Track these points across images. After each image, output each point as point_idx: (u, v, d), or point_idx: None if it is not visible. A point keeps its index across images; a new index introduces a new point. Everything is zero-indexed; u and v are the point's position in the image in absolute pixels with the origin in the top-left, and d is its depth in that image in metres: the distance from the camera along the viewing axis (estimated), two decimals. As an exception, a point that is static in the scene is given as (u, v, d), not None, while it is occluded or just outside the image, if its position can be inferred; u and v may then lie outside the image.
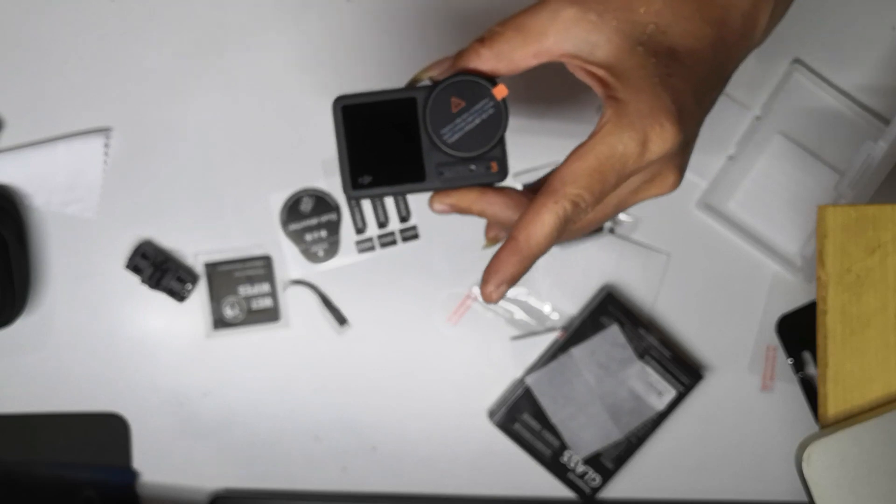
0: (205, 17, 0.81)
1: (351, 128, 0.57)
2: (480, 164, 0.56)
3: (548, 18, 0.52)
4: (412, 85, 0.57)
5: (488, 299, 0.54)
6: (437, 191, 0.57)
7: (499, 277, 0.53)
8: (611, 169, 0.51)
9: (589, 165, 0.51)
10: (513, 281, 0.53)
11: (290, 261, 0.83)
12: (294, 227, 0.83)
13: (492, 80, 0.55)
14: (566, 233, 0.53)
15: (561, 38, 0.52)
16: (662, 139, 0.51)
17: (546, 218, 0.52)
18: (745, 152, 0.82)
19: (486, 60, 0.54)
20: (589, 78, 0.54)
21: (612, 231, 0.83)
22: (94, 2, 0.81)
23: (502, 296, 0.54)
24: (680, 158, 0.55)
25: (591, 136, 0.52)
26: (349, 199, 0.64)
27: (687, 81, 0.52)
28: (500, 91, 0.55)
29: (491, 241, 0.62)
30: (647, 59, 0.51)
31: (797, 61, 0.82)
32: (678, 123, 0.51)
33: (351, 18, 0.81)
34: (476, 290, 0.83)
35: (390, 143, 0.57)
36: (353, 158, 0.57)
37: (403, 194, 0.63)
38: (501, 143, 0.56)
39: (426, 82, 0.57)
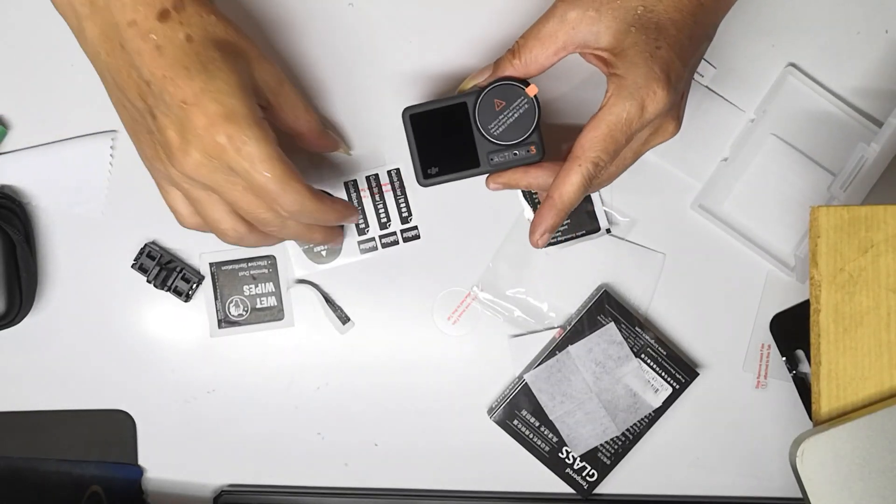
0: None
1: (418, 131, 0.71)
2: (522, 149, 0.71)
3: (557, 23, 0.66)
4: (462, 92, 0.71)
5: (535, 245, 0.70)
6: (490, 174, 0.72)
7: (542, 227, 0.69)
8: (619, 131, 0.64)
9: (602, 132, 0.64)
10: (552, 229, 0.69)
11: (293, 260, 0.83)
12: None
13: (525, 81, 0.69)
14: (593, 186, 0.67)
15: (570, 36, 0.65)
16: (656, 102, 0.64)
17: (574, 178, 0.66)
18: (739, 154, 0.83)
19: (518, 69, 0.68)
20: (596, 61, 0.68)
21: (608, 231, 0.83)
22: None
23: (546, 242, 0.70)
24: (676, 110, 0.67)
25: (601, 108, 0.65)
26: (423, 186, 0.74)
27: (672, 49, 0.64)
28: (532, 90, 0.69)
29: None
30: (639, 37, 0.64)
31: (791, 64, 0.82)
32: (667, 87, 0.64)
33: (353, 20, 0.82)
34: (476, 290, 0.84)
35: (449, 140, 0.71)
36: (422, 155, 0.72)
37: (464, 178, 0.72)
38: (537, 129, 0.70)
39: (472, 88, 0.71)
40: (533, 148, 0.71)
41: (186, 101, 0.61)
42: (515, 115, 0.70)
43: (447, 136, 0.71)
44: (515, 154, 0.71)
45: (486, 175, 0.73)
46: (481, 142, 0.71)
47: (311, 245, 0.83)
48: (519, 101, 0.70)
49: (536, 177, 0.71)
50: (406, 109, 0.71)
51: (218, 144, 0.61)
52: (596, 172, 0.66)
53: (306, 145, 0.74)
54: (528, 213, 0.83)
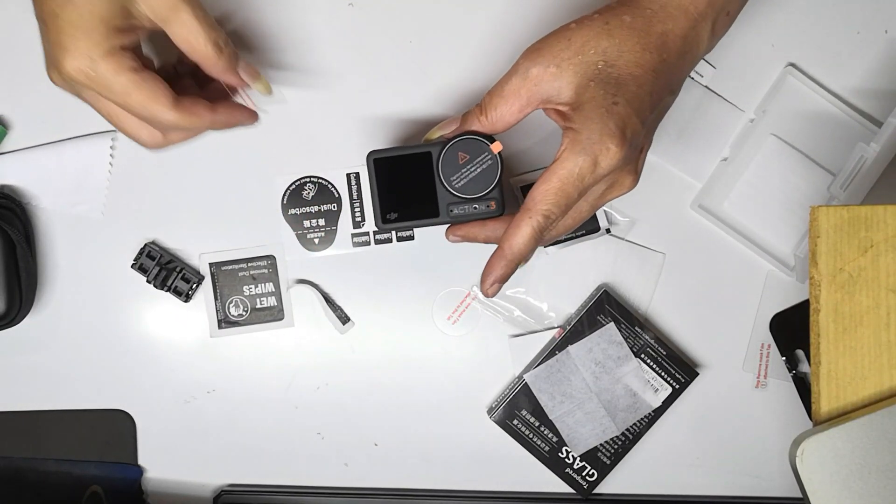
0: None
1: (381, 175, 0.72)
2: (482, 203, 0.72)
3: (520, 80, 0.66)
4: (427, 142, 0.72)
5: (486, 294, 0.69)
6: (449, 225, 0.73)
7: (492, 277, 0.68)
8: (571, 186, 0.64)
9: (553, 186, 0.64)
10: (503, 280, 0.68)
11: (285, 246, 0.83)
12: (294, 211, 0.83)
13: (490, 137, 0.70)
14: (545, 238, 0.67)
15: (533, 92, 0.65)
16: (609, 157, 0.63)
17: (524, 230, 0.65)
18: (739, 154, 0.83)
19: (484, 125, 0.68)
20: (555, 115, 0.67)
21: (608, 231, 0.83)
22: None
23: (497, 291, 0.69)
24: (633, 165, 0.67)
25: (554, 161, 0.64)
26: (381, 231, 0.78)
27: (630, 104, 0.64)
28: (496, 147, 0.70)
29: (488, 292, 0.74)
30: (597, 92, 0.64)
31: (791, 64, 0.82)
32: (622, 143, 0.63)
33: (353, 20, 0.82)
34: (475, 290, 0.84)
35: (411, 188, 0.72)
36: (382, 199, 0.72)
37: (422, 227, 0.75)
38: (498, 185, 0.71)
39: (438, 139, 0.71)
40: (493, 203, 0.72)
41: (49, 15, 0.61)
42: (478, 170, 0.71)
43: (409, 183, 0.72)
44: (475, 208, 0.72)
45: (446, 226, 0.74)
46: (442, 193, 0.72)
47: (304, 232, 0.83)
48: (483, 156, 0.71)
49: (494, 230, 0.71)
50: (370, 153, 0.72)
51: (72, 68, 0.62)
52: (546, 225, 0.65)
53: (218, 77, 0.69)
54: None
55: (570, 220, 0.68)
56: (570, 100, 0.64)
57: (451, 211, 0.72)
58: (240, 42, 0.81)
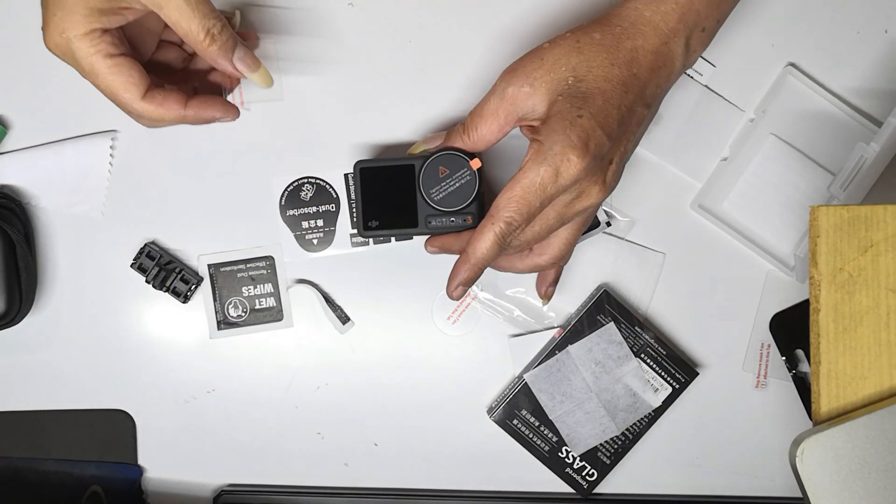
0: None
1: (365, 184, 0.76)
2: (459, 217, 0.75)
3: (497, 101, 0.68)
4: (412, 154, 0.75)
5: (451, 297, 0.72)
6: (428, 237, 0.77)
7: (456, 281, 0.70)
8: (533, 194, 0.65)
9: (516, 194, 0.66)
10: (467, 283, 0.70)
11: (284, 247, 0.83)
12: (292, 212, 0.83)
13: (470, 154, 0.73)
14: (513, 245, 0.69)
15: (510, 111, 0.68)
16: (570, 168, 0.65)
17: (487, 236, 0.67)
18: (739, 154, 0.83)
19: (467, 144, 0.71)
20: (526, 130, 0.70)
21: (608, 224, 0.83)
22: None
23: (461, 294, 0.71)
24: (599, 175, 0.67)
25: (518, 171, 0.66)
26: (361, 237, 0.81)
27: (594, 118, 0.65)
28: (476, 164, 0.73)
29: (545, 297, 0.81)
30: (564, 105, 0.66)
31: (791, 64, 0.82)
32: (584, 154, 0.65)
33: (353, 20, 0.82)
34: (475, 290, 0.84)
35: (393, 198, 0.75)
36: (365, 207, 0.76)
37: (401, 236, 0.78)
38: (475, 201, 0.74)
39: (422, 153, 0.74)
40: (469, 218, 0.75)
41: None
42: (457, 185, 0.74)
43: (392, 193, 0.75)
44: (452, 221, 0.75)
45: (425, 237, 0.78)
46: (422, 204, 0.75)
47: (303, 233, 0.83)
48: (462, 171, 0.74)
49: (468, 241, 0.72)
50: (358, 162, 0.76)
51: (51, 43, 0.64)
52: (509, 231, 0.67)
53: (212, 64, 0.68)
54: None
55: (537, 228, 0.69)
56: (541, 115, 0.67)
57: (430, 222, 0.75)
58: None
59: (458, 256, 0.73)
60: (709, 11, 0.69)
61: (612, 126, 0.66)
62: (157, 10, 0.63)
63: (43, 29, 0.63)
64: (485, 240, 0.67)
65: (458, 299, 0.72)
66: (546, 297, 0.80)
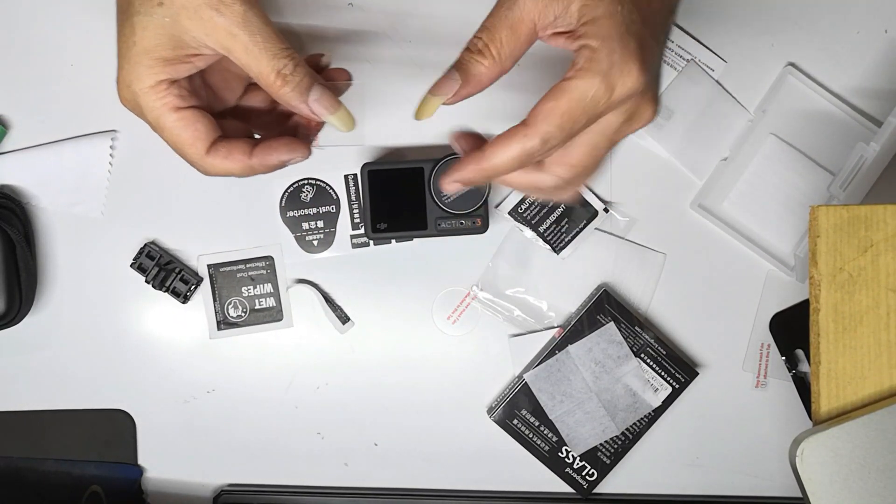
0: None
1: (374, 187, 0.76)
2: (469, 220, 0.76)
3: (522, 4, 0.56)
4: (419, 116, 0.62)
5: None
6: (443, 175, 0.62)
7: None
8: (582, 111, 0.55)
9: (562, 106, 0.55)
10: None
11: (283, 248, 0.83)
12: (292, 213, 0.83)
13: None
14: (536, 161, 0.58)
15: (542, 13, 0.56)
16: (631, 81, 0.55)
17: (513, 146, 0.56)
18: (739, 154, 0.83)
19: (492, 69, 0.58)
20: (562, 38, 0.57)
21: (606, 210, 0.83)
22: (100, 5, 0.81)
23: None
24: (652, 92, 0.58)
25: (566, 79, 0.55)
26: (370, 240, 0.81)
27: (646, 24, 0.56)
28: None
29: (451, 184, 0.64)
30: (615, 7, 0.55)
31: (791, 64, 0.83)
32: (643, 65, 0.55)
33: (353, 20, 0.82)
34: (475, 290, 0.84)
35: (402, 200, 0.76)
36: (374, 210, 0.77)
37: (409, 239, 0.79)
38: (485, 205, 0.76)
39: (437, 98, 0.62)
40: (479, 220, 0.77)
41: (117, 37, 0.60)
42: (468, 187, 0.67)
43: (401, 196, 0.76)
44: (462, 223, 0.76)
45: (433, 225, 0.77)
46: (432, 207, 0.76)
47: (303, 234, 0.83)
48: None
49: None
50: (365, 165, 0.76)
51: (121, 96, 0.61)
52: (542, 149, 0.56)
53: (286, 106, 0.63)
54: (528, 232, 0.83)
55: (587, 159, 0.59)
56: (580, 14, 0.56)
57: (439, 225, 0.76)
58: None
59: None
60: None
61: (658, 33, 0.58)
62: (226, 53, 0.59)
63: (117, 82, 0.60)
64: (509, 150, 0.57)
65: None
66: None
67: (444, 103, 0.60)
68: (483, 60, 0.58)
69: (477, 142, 0.62)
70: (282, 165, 0.63)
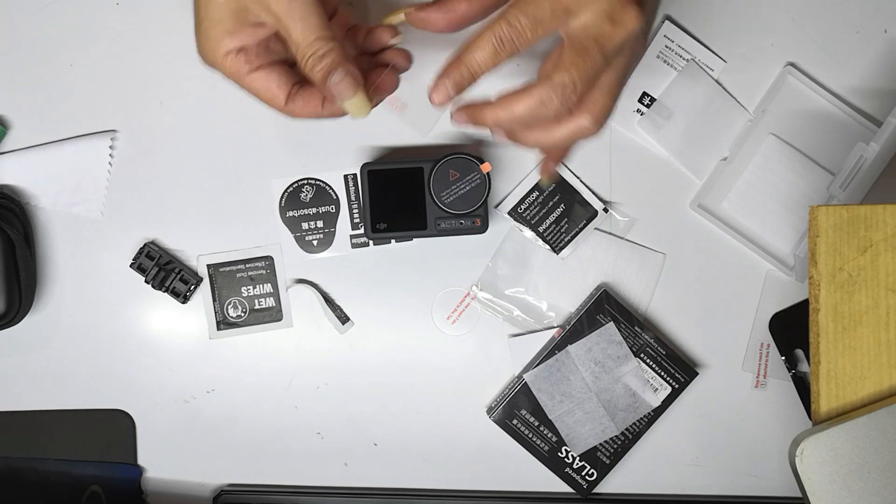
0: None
1: (373, 187, 0.76)
2: (468, 220, 0.76)
3: None
4: (386, 20, 0.67)
5: (430, 96, 0.61)
6: (456, 110, 0.64)
7: (444, 81, 0.61)
8: (596, 50, 0.58)
9: (588, 46, 0.58)
10: (457, 91, 0.61)
11: (283, 248, 0.83)
12: (292, 213, 0.83)
13: (480, 159, 0.75)
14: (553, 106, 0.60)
15: None
16: (631, 20, 0.58)
17: (531, 97, 0.59)
18: (738, 154, 0.83)
19: (526, 38, 0.59)
20: None
21: (605, 210, 0.83)
22: (99, 5, 0.81)
23: (442, 100, 0.61)
24: (644, 36, 0.61)
25: (569, 32, 0.59)
26: (370, 240, 0.81)
27: None
28: (486, 167, 0.75)
29: (546, 175, 0.72)
30: None
31: (790, 64, 0.83)
32: (639, 8, 0.58)
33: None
34: (475, 290, 0.84)
35: (402, 200, 0.76)
36: (373, 210, 0.76)
37: (409, 238, 0.79)
38: (484, 205, 0.76)
39: (399, 19, 0.67)
40: (478, 220, 0.76)
41: (194, 13, 0.65)
42: (467, 188, 0.75)
43: (400, 196, 0.76)
44: (461, 223, 0.76)
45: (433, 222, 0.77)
46: (431, 207, 0.76)
47: (303, 234, 0.83)
48: (472, 175, 0.75)
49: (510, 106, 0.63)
50: (364, 165, 0.76)
51: (206, 63, 0.67)
52: (563, 100, 0.59)
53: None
54: (528, 232, 0.83)
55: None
56: None
57: (439, 225, 0.77)
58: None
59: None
60: None
61: None
62: (275, 25, 0.64)
63: (197, 50, 0.66)
64: (526, 102, 0.60)
65: (437, 103, 0.61)
66: (548, 173, 0.71)
67: (410, 21, 0.65)
68: (520, 39, 0.60)
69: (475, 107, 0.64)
70: (342, 115, 0.68)
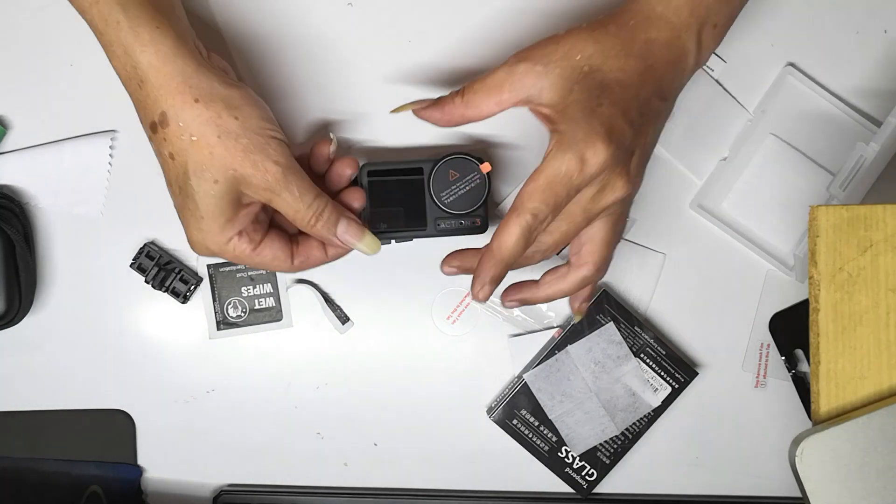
0: (208, 19, 0.81)
1: (373, 188, 0.76)
2: (468, 220, 0.76)
3: (505, 74, 0.67)
4: (395, 111, 0.73)
5: (476, 298, 0.68)
6: (445, 258, 0.74)
7: (483, 279, 0.67)
8: (559, 184, 0.63)
9: (541, 184, 0.64)
10: (494, 282, 0.67)
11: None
12: None
13: (479, 158, 0.75)
14: (541, 242, 0.68)
15: (515, 88, 0.67)
16: (597, 155, 0.63)
17: (512, 229, 0.65)
18: (738, 154, 0.83)
19: (458, 107, 0.69)
20: (541, 117, 0.68)
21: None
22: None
23: (488, 295, 0.67)
24: (624, 167, 0.66)
25: (542, 162, 0.64)
26: None
27: (615, 106, 0.65)
28: (486, 167, 0.75)
29: (578, 313, 0.78)
30: (581, 95, 0.65)
31: (790, 64, 0.83)
32: (608, 141, 0.63)
33: (353, 20, 0.82)
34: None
35: (402, 201, 0.76)
36: (373, 210, 0.76)
37: (409, 239, 0.78)
38: (484, 205, 0.76)
39: (408, 112, 0.72)
40: (478, 220, 0.77)
41: (177, 210, 0.69)
42: (467, 188, 0.76)
43: (400, 196, 0.77)
44: (461, 223, 0.77)
45: (433, 237, 0.78)
46: (432, 207, 0.76)
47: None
48: (472, 175, 0.76)
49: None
50: (364, 165, 0.76)
51: (202, 255, 0.71)
52: (535, 224, 0.64)
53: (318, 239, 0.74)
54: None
55: (564, 226, 0.68)
56: (552, 102, 0.66)
57: (439, 225, 0.77)
58: (240, 43, 0.81)
59: (440, 260, 0.74)
60: (719, 7, 0.69)
61: (632, 115, 0.66)
62: (271, 204, 0.68)
63: (189, 243, 0.70)
64: (510, 234, 0.65)
65: (484, 300, 0.68)
66: (580, 312, 0.77)
67: (415, 114, 0.72)
68: (456, 100, 0.69)
69: (468, 254, 0.73)
70: (349, 251, 0.74)
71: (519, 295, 0.75)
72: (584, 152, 0.63)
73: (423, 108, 0.71)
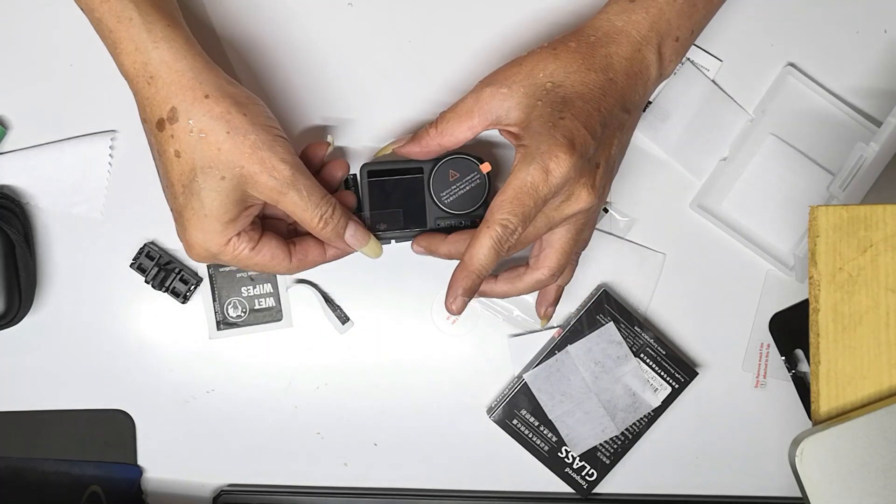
0: (208, 19, 0.81)
1: (373, 187, 0.76)
2: (467, 220, 0.76)
3: (473, 101, 0.70)
4: (379, 157, 0.77)
5: (450, 310, 0.69)
6: (415, 237, 0.76)
7: (455, 291, 0.69)
8: (526, 195, 0.65)
9: (508, 196, 0.66)
10: (467, 293, 0.69)
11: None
12: None
13: (479, 158, 0.75)
14: (506, 250, 0.68)
15: (483, 112, 0.70)
16: (560, 166, 0.65)
17: (484, 241, 0.67)
18: (738, 154, 0.83)
19: (433, 137, 0.72)
20: (509, 136, 0.70)
21: (605, 211, 0.83)
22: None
23: (462, 307, 0.69)
24: (588, 178, 0.68)
25: (509, 176, 0.67)
26: None
27: (577, 118, 0.67)
28: (485, 167, 0.75)
29: (544, 318, 0.80)
30: (544, 110, 0.67)
31: (790, 64, 0.83)
32: (571, 152, 0.65)
33: (352, 20, 0.82)
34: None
35: (402, 201, 0.76)
36: (373, 210, 0.76)
37: (409, 239, 0.77)
38: (484, 205, 0.75)
39: (389, 152, 0.75)
40: (478, 220, 0.75)
41: (176, 211, 0.70)
42: (467, 188, 0.76)
43: (400, 196, 0.76)
44: (461, 223, 0.76)
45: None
46: (431, 207, 0.76)
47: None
48: (472, 175, 0.76)
49: (454, 244, 0.74)
50: (364, 165, 0.77)
51: (198, 259, 0.71)
52: (506, 235, 0.66)
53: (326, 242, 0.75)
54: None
55: (529, 235, 0.69)
56: (518, 120, 0.68)
57: (439, 224, 0.76)
58: (239, 45, 0.81)
59: (440, 260, 0.74)
60: (680, 21, 0.72)
61: (594, 127, 0.68)
62: (278, 204, 0.69)
63: (186, 248, 0.70)
64: (482, 246, 0.67)
65: (458, 313, 0.70)
66: (546, 317, 0.80)
67: (395, 152, 0.75)
68: (431, 131, 0.72)
69: (436, 237, 0.75)
70: (350, 253, 0.76)
71: (432, 247, 0.76)
72: (547, 163, 0.65)
73: (402, 146, 0.74)
